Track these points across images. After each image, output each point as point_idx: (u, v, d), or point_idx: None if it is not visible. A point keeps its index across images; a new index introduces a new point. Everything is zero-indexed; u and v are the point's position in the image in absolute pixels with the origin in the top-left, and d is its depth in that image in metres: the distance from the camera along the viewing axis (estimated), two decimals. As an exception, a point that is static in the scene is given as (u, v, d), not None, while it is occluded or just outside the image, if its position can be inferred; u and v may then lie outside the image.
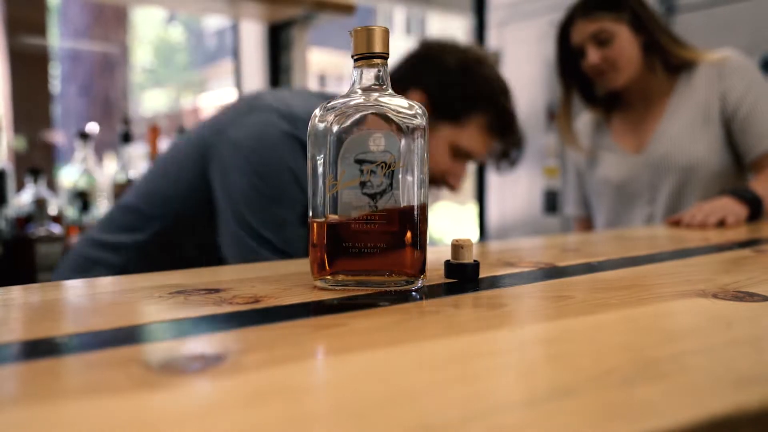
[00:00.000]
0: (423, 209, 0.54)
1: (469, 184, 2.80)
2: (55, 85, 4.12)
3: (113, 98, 4.35)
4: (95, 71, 4.41)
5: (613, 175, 1.56)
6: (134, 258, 1.02)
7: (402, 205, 0.53)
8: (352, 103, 0.53)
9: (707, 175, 1.43)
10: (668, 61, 1.47)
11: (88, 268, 1.04)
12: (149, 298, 0.53)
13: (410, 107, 0.53)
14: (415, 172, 0.53)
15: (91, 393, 0.29)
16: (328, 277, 0.54)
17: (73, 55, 4.43)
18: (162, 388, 0.30)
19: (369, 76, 0.54)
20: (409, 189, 0.53)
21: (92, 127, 1.76)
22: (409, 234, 0.53)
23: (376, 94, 0.53)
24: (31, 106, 1.88)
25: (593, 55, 1.43)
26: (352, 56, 0.55)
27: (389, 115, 0.52)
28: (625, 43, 1.42)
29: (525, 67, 2.78)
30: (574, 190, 1.72)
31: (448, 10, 3.34)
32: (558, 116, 1.60)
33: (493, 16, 2.90)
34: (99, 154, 2.17)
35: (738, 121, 1.41)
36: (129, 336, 0.40)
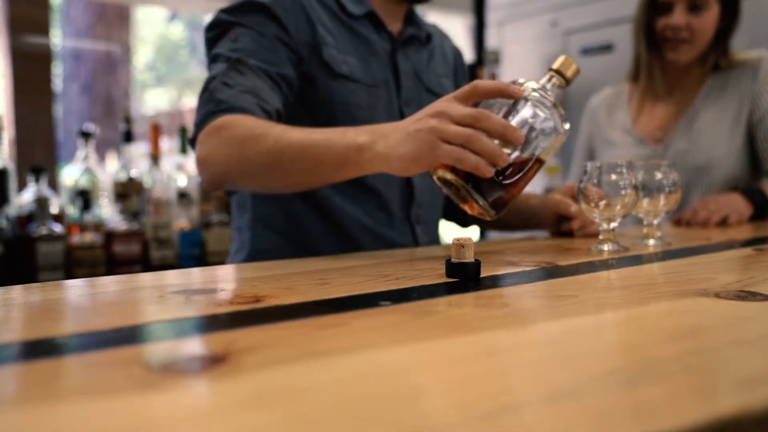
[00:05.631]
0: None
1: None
2: (58, 83, 4.12)
3: (115, 97, 4.35)
4: (97, 70, 4.42)
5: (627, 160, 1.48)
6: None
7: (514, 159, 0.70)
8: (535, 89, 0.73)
9: (721, 178, 1.39)
10: (720, 59, 1.42)
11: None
12: (150, 298, 0.53)
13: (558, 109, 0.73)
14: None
15: (91, 393, 0.29)
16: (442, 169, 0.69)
17: (75, 54, 4.43)
18: (162, 388, 0.30)
19: (548, 81, 0.75)
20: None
21: (89, 128, 1.76)
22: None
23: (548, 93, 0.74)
24: (33, 104, 1.88)
25: (680, 17, 1.36)
26: (551, 68, 0.75)
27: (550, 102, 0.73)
28: (711, 20, 1.38)
29: (524, 67, 2.78)
30: (580, 166, 1.64)
31: (447, 9, 3.34)
32: (646, 73, 1.47)
33: (492, 16, 2.89)
34: (101, 152, 2.17)
35: (764, 128, 1.38)
36: (129, 336, 0.40)
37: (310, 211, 0.99)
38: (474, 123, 0.67)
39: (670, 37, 1.39)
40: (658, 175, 0.92)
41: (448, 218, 1.21)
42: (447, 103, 0.69)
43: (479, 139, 0.66)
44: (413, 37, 1.07)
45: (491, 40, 2.88)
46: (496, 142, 0.68)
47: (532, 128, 0.71)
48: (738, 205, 1.22)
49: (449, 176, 0.69)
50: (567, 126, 0.73)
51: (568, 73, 0.75)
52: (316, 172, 0.79)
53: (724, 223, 1.19)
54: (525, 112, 0.71)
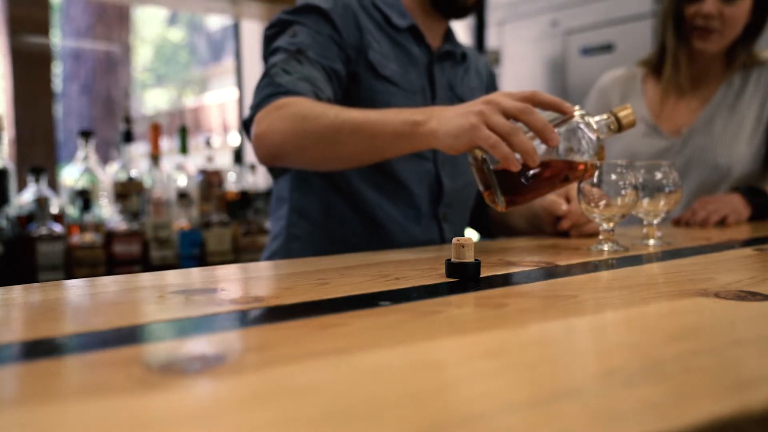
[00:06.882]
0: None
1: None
2: (58, 83, 4.12)
3: (115, 97, 4.35)
4: (97, 70, 4.41)
5: (642, 150, 1.43)
6: None
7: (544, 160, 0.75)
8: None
9: (737, 176, 1.37)
10: (747, 55, 1.40)
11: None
12: (150, 298, 0.53)
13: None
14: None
15: (91, 393, 0.29)
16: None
17: (75, 54, 4.43)
18: (162, 388, 0.30)
19: (603, 120, 0.80)
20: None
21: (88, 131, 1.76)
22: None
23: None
24: (33, 104, 1.88)
25: (712, 4, 1.32)
26: (611, 111, 0.81)
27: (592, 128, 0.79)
28: (743, 11, 1.34)
29: (524, 67, 2.78)
30: None
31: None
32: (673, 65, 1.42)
33: (492, 16, 2.89)
34: (103, 153, 2.17)
35: None
36: (129, 336, 0.40)
37: (344, 202, 1.05)
38: (519, 114, 0.73)
39: (700, 25, 1.35)
40: (658, 175, 0.92)
41: (473, 227, 1.26)
42: (501, 96, 0.75)
43: (518, 135, 0.71)
44: (450, 53, 1.15)
45: (491, 40, 2.88)
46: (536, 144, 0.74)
47: (570, 147, 0.76)
48: (737, 205, 1.22)
49: (480, 156, 0.75)
50: (600, 164, 0.79)
51: (624, 121, 0.80)
52: (372, 145, 0.85)
53: (722, 223, 1.19)
54: (569, 130, 0.77)
